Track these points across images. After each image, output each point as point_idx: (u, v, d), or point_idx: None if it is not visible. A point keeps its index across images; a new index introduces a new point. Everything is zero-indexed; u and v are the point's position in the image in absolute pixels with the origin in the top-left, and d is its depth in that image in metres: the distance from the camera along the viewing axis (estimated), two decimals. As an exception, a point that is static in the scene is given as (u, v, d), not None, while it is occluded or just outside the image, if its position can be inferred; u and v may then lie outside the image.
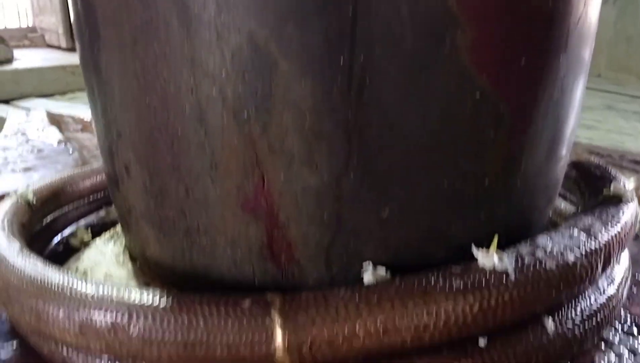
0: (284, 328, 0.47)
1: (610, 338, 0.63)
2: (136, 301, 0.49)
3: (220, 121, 0.51)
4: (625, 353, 0.61)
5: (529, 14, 0.52)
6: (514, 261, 0.52)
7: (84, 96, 1.84)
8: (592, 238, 0.57)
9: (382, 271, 0.53)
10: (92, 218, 0.94)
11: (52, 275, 0.54)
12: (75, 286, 0.52)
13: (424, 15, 0.48)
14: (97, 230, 0.89)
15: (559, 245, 0.55)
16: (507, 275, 0.51)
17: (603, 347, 0.62)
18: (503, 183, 0.55)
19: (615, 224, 0.61)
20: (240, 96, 0.50)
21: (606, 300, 0.61)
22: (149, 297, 0.50)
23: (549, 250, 0.54)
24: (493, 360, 0.52)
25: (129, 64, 0.55)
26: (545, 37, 0.54)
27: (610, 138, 2.27)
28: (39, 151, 1.27)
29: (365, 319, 0.47)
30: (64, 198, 0.86)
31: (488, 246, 0.54)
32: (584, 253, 0.55)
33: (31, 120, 1.54)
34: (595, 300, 0.60)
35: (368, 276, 0.52)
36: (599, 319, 0.59)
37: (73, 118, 1.70)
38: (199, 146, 0.52)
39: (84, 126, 1.59)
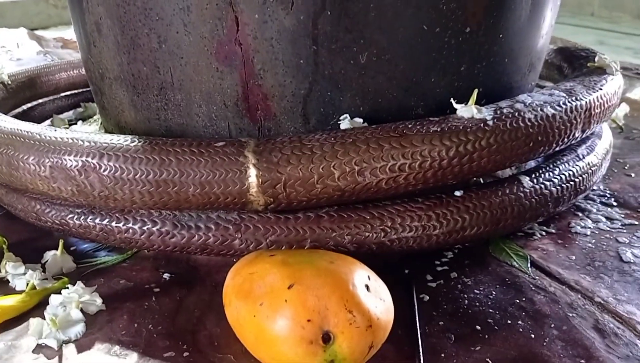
0: (257, 166, 0.46)
1: (589, 207, 0.64)
2: (107, 143, 0.48)
3: (192, -40, 0.49)
4: (602, 219, 0.61)
5: None
6: (492, 112, 0.52)
7: (64, 32, 1.77)
8: (573, 98, 0.56)
9: (359, 121, 0.52)
10: (69, 114, 0.93)
11: (23, 125, 0.53)
12: (45, 134, 0.51)
13: None
14: (74, 123, 0.88)
15: (539, 100, 0.54)
16: (485, 122, 0.50)
17: (580, 215, 0.62)
18: (484, 33, 0.54)
19: (598, 90, 0.60)
20: None
21: (585, 165, 0.61)
22: (120, 139, 0.49)
23: (528, 103, 0.54)
24: (468, 209, 0.52)
25: None
26: None
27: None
28: (19, 59, 1.24)
29: (340, 159, 0.47)
30: (40, 86, 0.84)
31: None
32: (564, 109, 0.54)
33: (10, 35, 1.49)
34: (574, 164, 0.60)
35: (345, 125, 0.51)
36: (576, 181, 0.59)
37: (54, 38, 1.66)
38: (170, -12, 0.50)
39: (65, 43, 1.55)
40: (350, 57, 0.51)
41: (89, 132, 0.50)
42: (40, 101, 0.86)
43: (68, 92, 0.92)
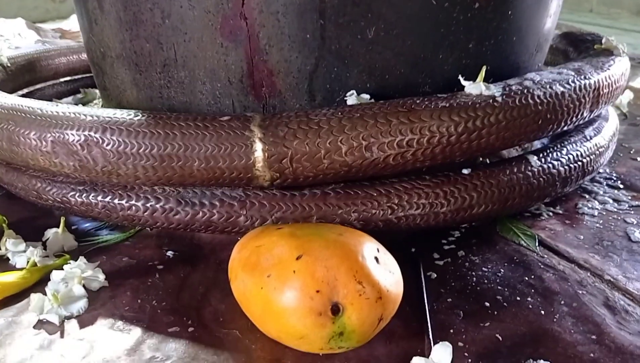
0: (263, 140, 0.46)
1: (596, 189, 0.63)
2: (110, 118, 0.48)
3: None
4: (610, 201, 0.61)
5: None
6: (501, 89, 0.51)
7: (62, 24, 1.75)
8: (582, 76, 0.56)
9: (366, 97, 0.51)
10: (69, 100, 0.92)
11: (24, 101, 0.52)
12: (46, 108, 0.50)
13: None
14: (75, 108, 0.87)
15: (548, 78, 0.54)
16: (494, 98, 0.49)
17: (587, 197, 0.61)
18: (493, 9, 0.53)
19: (606, 70, 0.59)
20: None
21: (592, 146, 0.60)
22: (124, 114, 0.48)
23: (537, 80, 0.53)
24: (476, 187, 0.51)
25: None
26: None
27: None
28: (17, 47, 1.23)
29: (347, 134, 0.46)
30: (40, 70, 0.83)
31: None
32: (572, 87, 0.54)
33: (8, 26, 1.48)
34: (582, 144, 0.59)
35: (352, 101, 0.51)
36: (583, 162, 0.58)
37: (52, 29, 1.64)
38: (174, -38, 0.49)
39: (63, 34, 1.54)
40: (358, 31, 0.50)
41: (90, 108, 0.49)
42: (39, 86, 0.85)
43: (68, 78, 0.91)
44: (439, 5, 0.50)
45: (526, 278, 0.47)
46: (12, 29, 1.43)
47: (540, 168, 0.54)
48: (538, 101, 0.51)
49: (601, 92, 0.57)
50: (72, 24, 1.72)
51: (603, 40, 0.67)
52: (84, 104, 0.88)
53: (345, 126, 0.46)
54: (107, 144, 0.46)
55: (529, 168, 0.54)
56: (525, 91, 0.51)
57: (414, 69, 0.53)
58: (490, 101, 0.49)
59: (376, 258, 0.38)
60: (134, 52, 0.56)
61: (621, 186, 0.64)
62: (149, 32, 0.54)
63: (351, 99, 0.51)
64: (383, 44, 0.51)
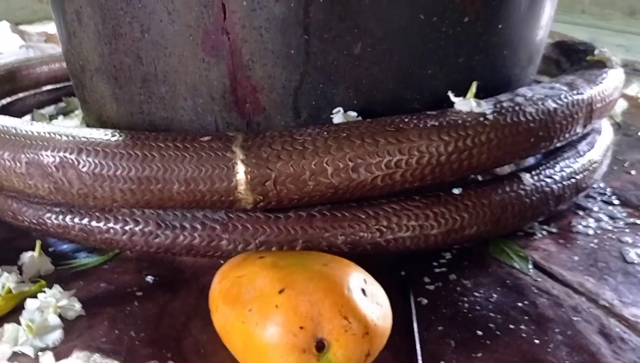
0: (246, 162, 0.44)
1: (590, 206, 0.62)
2: (86, 138, 0.46)
3: (176, -57, 0.46)
4: (604, 218, 0.59)
5: None
6: (492, 106, 0.49)
7: (49, 26, 1.73)
8: (575, 91, 0.54)
9: (353, 115, 0.49)
10: (51, 109, 0.90)
11: (-2, 119, 0.50)
12: (20, 128, 0.48)
13: None
14: (56, 118, 0.85)
15: (540, 94, 0.52)
16: (485, 115, 0.48)
17: (581, 213, 0.60)
18: (483, 23, 0.51)
19: (599, 83, 0.58)
20: None
21: (586, 162, 0.59)
22: (100, 134, 0.46)
23: (529, 96, 0.51)
24: (467, 208, 0.49)
25: None
26: None
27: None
28: (0, 53, 1.20)
29: (333, 154, 0.44)
30: (20, 80, 0.81)
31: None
32: (565, 103, 0.52)
33: (-8, 29, 1.45)
34: (575, 161, 0.58)
35: (338, 119, 0.49)
36: (577, 179, 0.57)
37: (37, 32, 1.62)
38: (153, -26, 0.48)
39: (48, 38, 1.51)
40: (344, 47, 0.48)
41: (68, 126, 0.47)
42: (20, 95, 0.83)
43: (49, 87, 0.89)
44: (426, 20, 0.49)
45: (519, 304, 0.45)
46: (-4, 34, 1.41)
47: (533, 187, 0.53)
48: (530, 118, 0.49)
49: (594, 108, 0.56)
50: (58, 27, 1.69)
51: (596, 52, 0.66)
52: (65, 114, 0.86)
53: (331, 147, 0.44)
54: (83, 166, 0.44)
55: (522, 186, 0.52)
56: (517, 107, 0.50)
57: (402, 85, 0.51)
58: (481, 118, 0.48)
59: (363, 290, 0.36)
60: (113, 66, 0.54)
61: (616, 201, 0.63)
62: (129, 46, 0.52)
63: (337, 117, 0.49)
64: (370, 60, 0.49)
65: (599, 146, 0.63)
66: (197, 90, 0.51)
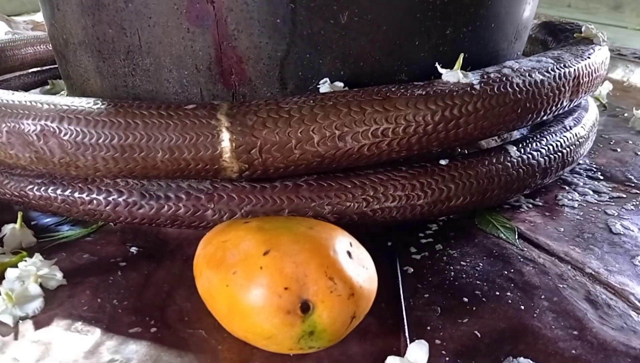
0: (231, 130, 0.43)
1: (575, 181, 0.62)
2: (68, 106, 0.45)
3: None
4: (590, 192, 0.59)
5: None
6: (479, 77, 0.49)
7: (37, 16, 1.70)
8: (562, 64, 0.54)
9: (340, 86, 0.49)
10: (36, 91, 0.88)
11: (-24, 88, 0.49)
12: (1, 97, 0.47)
13: None
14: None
15: (527, 66, 0.52)
16: (472, 86, 0.48)
17: (567, 188, 0.60)
18: (471, -7, 0.51)
19: (586, 58, 0.58)
20: None
21: (572, 136, 0.59)
22: (82, 102, 0.45)
23: (516, 68, 0.51)
24: (453, 179, 0.49)
25: None
26: None
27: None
28: (-17, 38, 1.18)
29: (320, 123, 0.44)
30: (5, 60, 0.80)
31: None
32: (552, 75, 0.52)
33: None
34: (562, 135, 0.58)
35: (325, 89, 0.48)
36: (563, 152, 0.57)
37: (24, 21, 1.60)
38: (136, -59, 0.47)
39: (35, 26, 1.49)
40: (330, 16, 0.48)
41: (47, 96, 0.47)
42: (5, 76, 0.82)
43: (35, 69, 0.87)
44: (415, -12, 0.48)
45: (505, 272, 0.45)
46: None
47: (519, 159, 0.53)
48: (517, 89, 0.49)
49: (581, 81, 0.56)
50: (43, 15, 1.66)
51: (583, 29, 0.66)
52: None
53: (317, 115, 0.44)
54: (65, 134, 0.44)
55: (508, 158, 0.52)
56: (504, 79, 0.49)
57: (390, 56, 0.51)
58: (468, 89, 0.47)
59: (349, 253, 0.36)
60: (97, 38, 0.53)
61: (601, 177, 0.63)
62: (112, 17, 0.51)
63: (324, 87, 0.49)
64: (357, 30, 0.49)
65: (585, 121, 0.63)
66: (182, 61, 0.51)
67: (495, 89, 0.48)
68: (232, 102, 0.45)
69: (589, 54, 0.59)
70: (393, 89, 0.46)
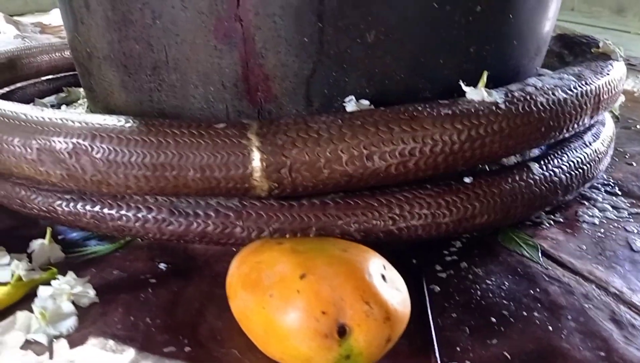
0: (261, 149, 0.44)
1: (594, 196, 0.62)
2: (100, 124, 0.45)
3: None
4: (609, 208, 0.60)
5: None
6: (503, 95, 0.50)
7: (43, 17, 1.73)
8: (583, 82, 0.55)
9: (365, 103, 0.49)
10: (52, 99, 0.89)
11: (7, 105, 0.49)
12: (31, 114, 0.47)
13: None
14: (57, 107, 0.84)
15: (550, 84, 0.53)
16: (497, 105, 0.48)
17: (587, 204, 0.60)
18: (494, 12, 0.51)
19: (606, 75, 0.58)
20: None
21: (592, 152, 0.59)
22: (114, 120, 0.46)
23: (539, 86, 0.52)
24: (478, 197, 0.50)
25: None
26: None
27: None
28: (-6, 43, 1.19)
29: (348, 142, 0.44)
30: (21, 68, 0.80)
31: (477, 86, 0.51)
32: (574, 93, 0.53)
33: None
34: (582, 151, 0.58)
35: (351, 107, 0.49)
36: (584, 169, 0.57)
37: (32, 23, 1.60)
38: (166, -40, 0.47)
39: (43, 28, 1.50)
40: (357, 35, 0.48)
41: (79, 112, 0.47)
42: (20, 84, 0.82)
43: (50, 76, 0.88)
44: (440, 8, 0.49)
45: (531, 292, 0.46)
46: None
47: (541, 176, 0.53)
48: (541, 108, 0.50)
49: (602, 98, 0.57)
50: (52, 18, 1.68)
51: (600, 44, 0.66)
52: (67, 104, 0.86)
53: (345, 134, 0.45)
54: (97, 153, 0.44)
55: (531, 176, 0.53)
56: (528, 97, 0.50)
57: (414, 74, 0.51)
58: (493, 108, 0.48)
59: (383, 276, 0.36)
60: (123, 53, 0.54)
61: (619, 192, 0.64)
62: (139, 33, 0.52)
63: (350, 105, 0.49)
64: (383, 49, 0.49)
65: (604, 137, 0.64)
66: (209, 78, 0.51)
67: (520, 108, 0.49)
68: (262, 121, 0.46)
69: (608, 71, 0.60)
70: (419, 108, 0.47)
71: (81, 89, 0.85)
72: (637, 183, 0.66)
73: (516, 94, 0.50)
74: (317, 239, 0.42)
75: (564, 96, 0.52)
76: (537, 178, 0.53)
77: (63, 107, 0.77)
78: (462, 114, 0.47)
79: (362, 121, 0.45)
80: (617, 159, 0.72)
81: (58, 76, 0.89)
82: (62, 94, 0.89)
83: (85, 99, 0.68)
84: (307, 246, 0.38)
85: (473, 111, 0.47)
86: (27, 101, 0.84)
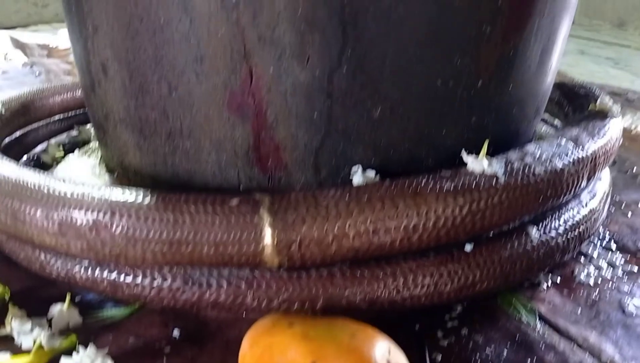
0: (273, 226, 0.46)
1: (590, 252, 0.64)
2: (119, 200, 0.47)
3: (207, 8, 0.48)
4: (604, 265, 0.62)
5: None
6: (503, 166, 0.52)
7: (46, 29, 1.75)
8: (580, 147, 0.57)
9: (371, 174, 0.52)
10: (63, 137, 0.91)
11: (28, 174, 0.52)
12: (53, 186, 0.50)
13: None
14: (69, 148, 0.86)
15: (548, 152, 0.55)
16: (497, 178, 0.50)
17: (582, 261, 0.63)
18: (495, 85, 0.54)
19: (602, 136, 0.61)
20: (228, -18, 0.47)
21: (588, 212, 0.61)
22: (132, 195, 0.48)
23: (537, 156, 0.54)
24: (479, 265, 0.52)
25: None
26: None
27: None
28: (4, 72, 1.21)
29: (355, 218, 0.47)
30: (34, 112, 0.82)
31: (478, 153, 0.53)
32: (571, 161, 0.55)
33: (-6, 42, 1.46)
34: (578, 211, 0.61)
35: (357, 179, 0.51)
36: (580, 230, 0.60)
37: (38, 45, 1.62)
38: (183, 36, 0.49)
39: (50, 52, 1.52)
40: (364, 111, 0.51)
41: (99, 185, 0.49)
42: (32, 126, 0.84)
43: (60, 116, 0.90)
44: (443, 85, 0.51)
45: (529, 361, 0.48)
46: (-1, 49, 1.41)
47: (539, 242, 0.55)
48: (539, 180, 0.52)
49: (598, 162, 0.59)
50: (59, 40, 1.69)
51: (598, 102, 0.68)
52: (78, 143, 0.88)
53: (353, 211, 0.47)
54: (116, 228, 0.46)
55: (529, 241, 0.55)
56: (527, 169, 0.52)
57: (418, 145, 0.54)
58: (493, 182, 0.50)
59: (388, 362, 0.38)
60: (139, 118, 0.56)
61: (614, 247, 0.66)
62: (155, 102, 0.54)
63: (357, 177, 0.51)
64: (388, 123, 0.51)
65: (600, 192, 0.66)
66: (222, 146, 0.53)
67: (519, 181, 0.51)
68: (273, 196, 0.48)
69: (605, 132, 0.62)
70: (423, 184, 0.49)
71: (92, 129, 0.87)
72: (632, 236, 0.68)
73: (515, 165, 0.52)
74: (327, 322, 0.44)
75: (561, 165, 0.54)
76: (535, 243, 0.55)
77: (76, 152, 0.79)
78: (464, 188, 0.49)
79: (369, 197, 0.48)
80: (612, 209, 0.74)
81: (69, 115, 0.91)
82: (74, 133, 0.91)
83: (97, 145, 0.70)
84: (318, 332, 0.40)
85: (474, 185, 0.49)
86: (39, 141, 0.87)
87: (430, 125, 0.53)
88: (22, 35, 2.19)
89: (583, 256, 0.64)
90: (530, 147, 0.56)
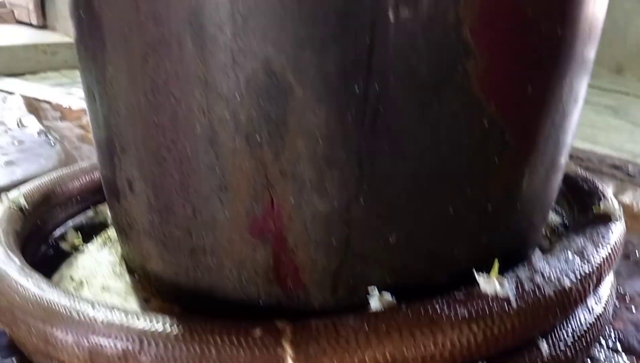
0: (295, 359, 0.48)
1: (597, 355, 0.66)
2: (147, 328, 0.49)
3: (232, 144, 0.50)
4: (611, 369, 0.64)
5: (538, 43, 0.53)
6: (514, 287, 0.54)
7: (55, 76, 1.79)
8: (586, 261, 0.59)
9: (387, 296, 0.54)
10: (80, 219, 0.93)
11: (60, 297, 0.54)
12: (83, 310, 0.52)
13: (438, 45, 0.48)
14: (86, 231, 0.88)
15: (556, 270, 0.57)
16: (509, 302, 0.52)
17: (589, 364, 0.64)
18: (504, 208, 0.56)
19: (606, 245, 0.63)
20: (253, 120, 0.50)
21: (595, 319, 0.63)
22: (160, 324, 0.50)
23: (547, 275, 0.56)
24: (492, 384, 0.54)
25: (138, 80, 0.54)
26: (551, 65, 0.55)
27: (582, 132, 2.32)
28: (20, 142, 1.24)
29: (374, 349, 0.49)
30: (54, 199, 0.85)
31: (488, 269, 0.55)
32: (578, 277, 0.57)
33: (8, 107, 1.49)
34: (585, 319, 0.63)
35: (375, 302, 0.53)
36: (588, 338, 0.62)
37: (50, 104, 1.65)
38: (208, 167, 0.52)
39: (63, 114, 1.55)
40: (380, 238, 0.53)
41: (127, 312, 0.51)
42: (52, 212, 0.86)
43: (78, 198, 0.92)
44: (456, 213, 0.54)
45: None
46: (13, 114, 1.44)
47: (549, 357, 0.57)
48: (549, 300, 0.54)
49: (603, 272, 0.61)
50: (71, 100, 1.73)
51: (602, 205, 0.71)
52: (95, 227, 0.90)
53: (371, 342, 0.49)
54: (145, 358, 0.48)
55: (540, 357, 0.57)
56: (537, 289, 0.54)
57: (431, 266, 0.56)
58: (506, 306, 0.52)
59: None
60: (163, 234, 0.59)
61: (620, 347, 0.68)
62: (180, 221, 0.56)
63: (374, 300, 0.54)
64: (404, 247, 0.54)
65: (605, 293, 0.68)
66: (243, 265, 0.56)
67: (530, 303, 0.53)
68: (295, 326, 0.50)
69: (609, 240, 0.64)
70: (438, 311, 0.51)
71: (108, 211, 0.89)
72: (637, 335, 0.70)
73: (526, 286, 0.54)
74: None
75: (569, 284, 0.56)
76: (545, 358, 0.57)
77: (96, 243, 0.81)
78: (478, 315, 0.51)
79: (387, 327, 0.50)
80: (617, 303, 0.76)
81: (85, 196, 0.93)
82: (90, 214, 0.93)
83: (117, 238, 0.72)
84: None
85: (488, 311, 0.51)
86: (58, 225, 0.89)
87: (443, 247, 0.55)
88: (32, 87, 2.23)
89: (590, 359, 0.65)
90: (539, 264, 0.58)
